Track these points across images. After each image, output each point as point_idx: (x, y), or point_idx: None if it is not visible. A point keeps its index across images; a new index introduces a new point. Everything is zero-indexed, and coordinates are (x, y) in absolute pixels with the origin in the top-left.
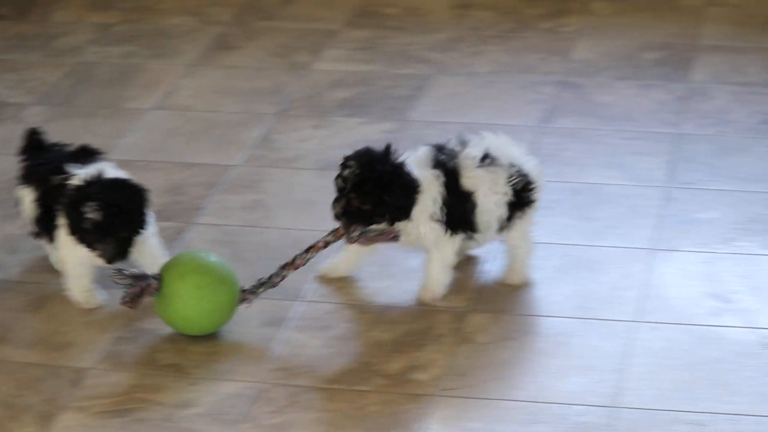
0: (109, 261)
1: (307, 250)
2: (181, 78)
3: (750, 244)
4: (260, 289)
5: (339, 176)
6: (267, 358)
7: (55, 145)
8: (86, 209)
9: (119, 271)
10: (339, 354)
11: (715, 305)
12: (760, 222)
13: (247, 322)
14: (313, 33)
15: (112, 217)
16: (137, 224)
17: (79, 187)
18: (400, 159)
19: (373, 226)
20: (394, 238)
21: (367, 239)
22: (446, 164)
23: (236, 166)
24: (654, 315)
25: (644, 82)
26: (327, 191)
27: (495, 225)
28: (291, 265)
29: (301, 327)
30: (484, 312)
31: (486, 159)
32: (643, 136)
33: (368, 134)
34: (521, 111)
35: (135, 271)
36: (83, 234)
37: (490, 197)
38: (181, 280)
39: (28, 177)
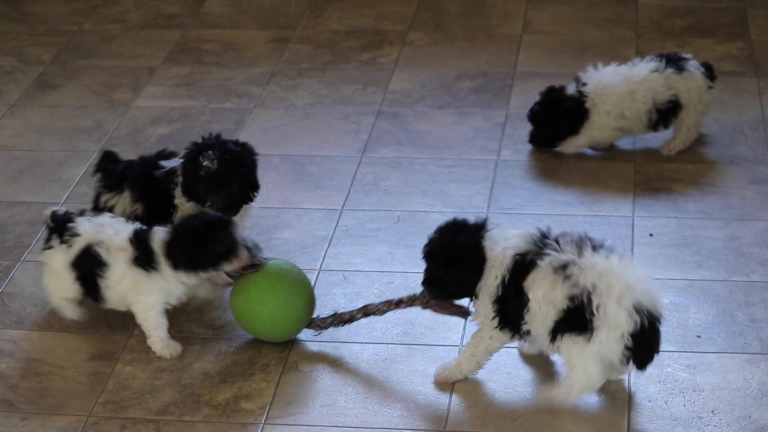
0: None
1: (382, 302)
2: (2, 118)
3: None
4: (329, 320)
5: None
6: (97, 391)
7: None
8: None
9: None
10: (167, 385)
11: None
12: None
13: (76, 356)
14: (132, 70)
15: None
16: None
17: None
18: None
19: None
20: (465, 313)
21: (438, 305)
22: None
23: (61, 204)
24: None
25: (462, 110)
26: None
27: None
28: (362, 309)
29: (129, 360)
30: (307, 340)
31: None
32: (462, 163)
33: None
34: (341, 142)
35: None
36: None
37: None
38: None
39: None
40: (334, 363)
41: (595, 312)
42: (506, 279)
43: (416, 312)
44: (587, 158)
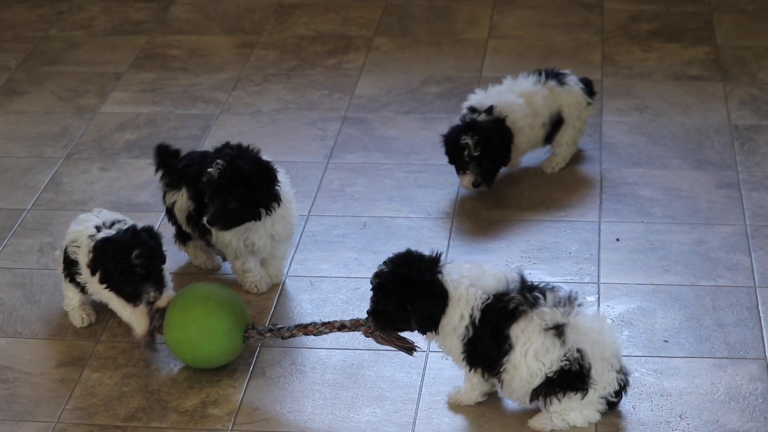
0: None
1: (324, 323)
2: None
3: (539, 272)
4: (267, 333)
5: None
6: (64, 398)
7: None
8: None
9: None
10: (135, 392)
11: None
12: (548, 250)
13: (43, 363)
14: (98, 76)
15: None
16: None
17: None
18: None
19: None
20: (409, 350)
21: (383, 337)
22: None
23: (27, 210)
24: None
25: (428, 115)
26: None
27: None
28: (303, 327)
29: (96, 367)
30: (276, 346)
31: None
32: (428, 168)
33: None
34: (307, 147)
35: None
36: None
37: None
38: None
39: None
40: (302, 369)
41: (588, 375)
42: (477, 320)
43: None
44: None
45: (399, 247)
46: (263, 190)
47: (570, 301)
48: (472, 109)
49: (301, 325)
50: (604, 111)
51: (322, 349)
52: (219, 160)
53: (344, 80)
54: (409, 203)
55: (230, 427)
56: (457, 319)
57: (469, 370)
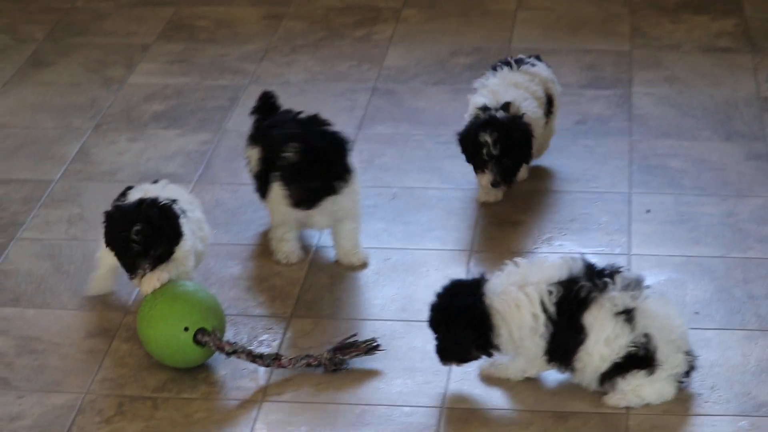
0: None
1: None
2: None
3: (569, 243)
4: (227, 347)
5: None
6: (93, 369)
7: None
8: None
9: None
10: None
11: None
12: (579, 221)
13: (72, 334)
14: (126, 47)
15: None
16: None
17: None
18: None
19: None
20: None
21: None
22: None
23: (55, 181)
24: None
25: (457, 86)
26: None
27: None
28: (248, 355)
29: (126, 337)
30: (307, 317)
31: None
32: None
33: (185, 145)
34: (336, 118)
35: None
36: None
37: None
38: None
39: (257, 138)
40: (332, 340)
41: (654, 357)
42: (554, 314)
43: (414, 288)
44: (582, 135)
45: (429, 218)
46: (338, 163)
47: (638, 283)
48: (485, 108)
49: (255, 356)
50: (634, 82)
51: (353, 320)
52: (293, 143)
53: (373, 51)
54: (438, 174)
55: (261, 399)
56: (531, 320)
57: (547, 363)
